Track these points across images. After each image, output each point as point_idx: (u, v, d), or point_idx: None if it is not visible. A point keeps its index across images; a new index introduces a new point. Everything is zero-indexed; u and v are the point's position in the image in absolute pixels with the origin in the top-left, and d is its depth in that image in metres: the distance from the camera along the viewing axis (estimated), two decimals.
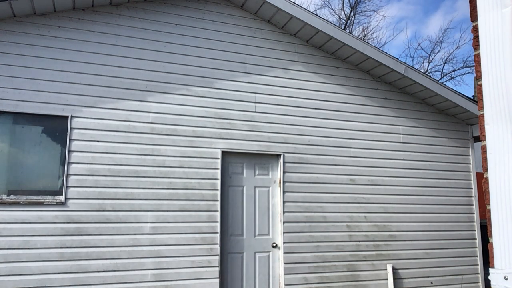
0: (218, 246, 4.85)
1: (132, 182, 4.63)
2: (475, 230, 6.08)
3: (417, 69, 5.84)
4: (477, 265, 5.99)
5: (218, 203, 4.92)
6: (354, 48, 5.47)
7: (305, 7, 5.59)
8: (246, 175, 5.22)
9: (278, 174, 5.32)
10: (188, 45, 5.08)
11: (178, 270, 4.65)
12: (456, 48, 29.48)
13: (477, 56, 1.22)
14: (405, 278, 5.60)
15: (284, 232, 5.16)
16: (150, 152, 4.74)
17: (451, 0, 28.72)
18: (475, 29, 1.23)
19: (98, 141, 4.57)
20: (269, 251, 5.17)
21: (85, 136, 4.54)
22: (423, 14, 30.49)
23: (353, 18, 19.32)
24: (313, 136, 5.46)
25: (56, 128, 4.48)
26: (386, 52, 5.69)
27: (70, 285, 4.27)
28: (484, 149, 1.19)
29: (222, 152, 5.05)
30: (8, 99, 4.32)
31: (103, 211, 4.48)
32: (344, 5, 24.90)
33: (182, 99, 4.96)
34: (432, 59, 28.28)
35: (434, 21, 29.81)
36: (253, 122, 5.22)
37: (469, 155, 6.28)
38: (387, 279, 5.50)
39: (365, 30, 22.22)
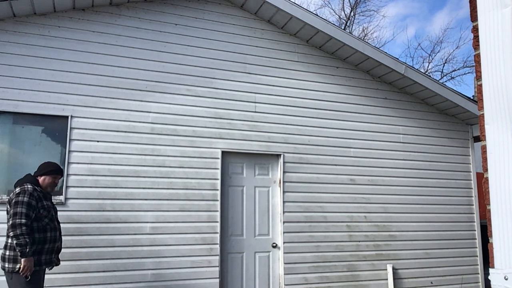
0: (218, 246, 4.85)
1: (132, 182, 4.63)
2: (475, 230, 6.08)
3: (417, 69, 5.84)
4: (477, 265, 5.99)
5: (218, 203, 4.92)
6: (354, 48, 5.47)
7: (305, 7, 5.59)
8: (246, 175, 5.22)
9: (278, 174, 5.32)
10: (188, 45, 5.08)
11: (178, 270, 4.65)
12: (456, 48, 29.53)
13: (477, 56, 1.22)
14: (405, 278, 5.60)
15: (284, 232, 5.16)
16: (150, 152, 4.74)
17: None
18: (475, 29, 1.23)
19: (98, 141, 4.57)
20: (269, 251, 5.17)
21: (85, 136, 4.54)
22: (428, 12, 30.50)
23: (353, 18, 19.33)
24: (313, 136, 5.46)
25: (56, 128, 4.48)
26: (386, 52, 5.69)
27: (70, 285, 4.27)
28: (484, 149, 1.19)
29: (222, 152, 5.05)
30: (8, 99, 4.32)
31: (103, 211, 4.48)
32: (344, 5, 24.92)
33: (182, 99, 4.96)
34: (432, 59, 28.31)
35: (439, 19, 29.82)
36: (253, 122, 5.22)
37: (469, 155, 6.28)
38: (387, 279, 5.50)
39: (365, 30, 22.24)
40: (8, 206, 3.45)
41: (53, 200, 4.31)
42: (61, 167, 3.78)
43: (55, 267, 4.22)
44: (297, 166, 5.34)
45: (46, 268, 3.62)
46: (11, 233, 3.27)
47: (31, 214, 3.36)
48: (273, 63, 5.44)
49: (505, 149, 1.11)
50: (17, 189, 3.45)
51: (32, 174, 3.70)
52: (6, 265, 3.34)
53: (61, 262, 4.26)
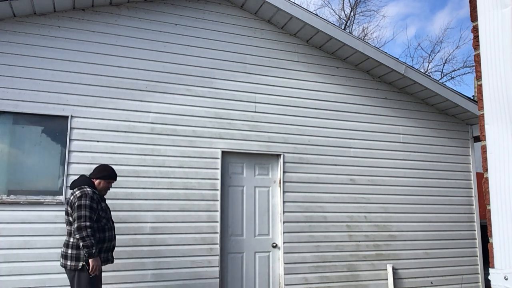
0: (218, 246, 4.85)
1: (132, 182, 4.63)
2: (475, 230, 6.08)
3: (417, 69, 5.84)
4: (477, 265, 5.99)
5: (218, 203, 4.92)
6: (354, 48, 5.47)
7: (305, 7, 5.59)
8: (246, 175, 5.22)
9: (278, 174, 5.32)
10: (188, 45, 5.08)
11: (178, 270, 4.65)
12: (456, 48, 29.55)
13: (477, 56, 1.22)
14: (405, 278, 5.60)
15: (284, 232, 5.16)
16: (150, 152, 4.74)
17: None
18: (475, 29, 1.23)
19: (98, 141, 4.57)
20: (269, 251, 5.17)
21: (85, 136, 4.54)
22: (429, 11, 30.48)
23: (353, 18, 19.33)
24: (313, 136, 5.46)
25: (56, 128, 4.48)
26: (386, 52, 5.68)
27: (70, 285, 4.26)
28: (484, 149, 1.19)
29: (222, 152, 5.05)
30: (8, 99, 4.32)
31: None
32: (344, 5, 24.92)
33: (182, 99, 4.96)
34: (432, 59, 28.33)
35: (440, 18, 29.79)
36: (253, 122, 5.22)
37: (469, 155, 6.28)
38: (387, 279, 5.50)
39: (365, 30, 22.25)
40: (69, 208, 3.58)
41: (53, 200, 4.33)
42: (115, 171, 3.90)
43: (55, 267, 4.23)
44: (297, 166, 5.34)
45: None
46: (77, 235, 3.41)
47: (93, 217, 3.51)
48: (273, 63, 5.44)
49: (505, 149, 1.11)
50: (78, 192, 3.56)
51: (87, 175, 3.82)
52: (69, 263, 3.49)
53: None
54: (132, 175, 4.63)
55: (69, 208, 3.57)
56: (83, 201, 3.48)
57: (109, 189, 3.86)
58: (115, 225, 4.50)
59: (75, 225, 3.42)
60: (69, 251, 3.50)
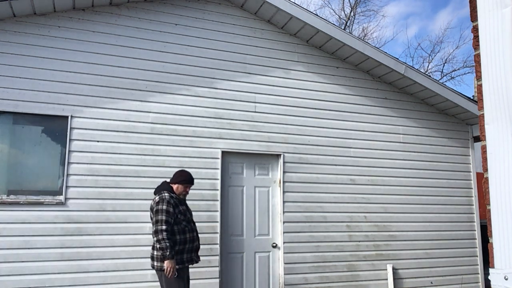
0: (218, 246, 4.85)
1: (132, 182, 4.63)
2: (475, 230, 6.08)
3: (417, 69, 5.84)
4: (477, 265, 5.99)
5: (218, 203, 4.92)
6: (354, 48, 5.47)
7: (305, 7, 5.59)
8: (246, 175, 5.22)
9: (278, 174, 5.32)
10: (188, 45, 5.08)
11: None
12: (456, 48, 29.56)
13: (477, 56, 1.22)
14: (405, 278, 5.60)
15: (284, 232, 5.16)
16: (150, 152, 4.74)
17: None
18: (475, 29, 1.23)
19: (98, 141, 4.57)
20: (269, 251, 5.17)
21: (85, 136, 4.54)
22: (431, 10, 30.43)
23: (353, 18, 19.33)
24: (313, 136, 5.46)
25: (56, 128, 4.48)
26: (386, 52, 5.68)
27: (70, 285, 4.27)
28: (484, 149, 1.19)
29: (222, 152, 5.05)
30: (8, 99, 4.32)
31: (103, 211, 4.48)
32: (344, 5, 24.92)
33: (182, 99, 4.96)
34: (432, 59, 28.33)
35: (442, 17, 29.73)
36: (253, 122, 5.22)
37: (469, 155, 6.27)
38: (387, 279, 5.50)
39: (365, 30, 22.26)
40: (151, 212, 3.82)
41: (53, 200, 4.32)
42: (193, 176, 4.06)
43: (55, 267, 4.23)
44: (297, 166, 5.34)
45: (189, 266, 3.94)
46: (154, 238, 3.67)
47: (170, 220, 3.71)
48: (273, 63, 5.44)
49: (505, 149, 1.11)
50: (156, 198, 3.80)
51: (168, 181, 4.03)
52: (155, 264, 3.75)
53: (61, 262, 4.27)
54: (132, 175, 4.63)
55: (150, 213, 3.82)
56: (160, 206, 3.70)
57: (187, 193, 4.01)
58: (116, 225, 4.50)
59: (153, 229, 3.68)
60: (155, 252, 3.75)
